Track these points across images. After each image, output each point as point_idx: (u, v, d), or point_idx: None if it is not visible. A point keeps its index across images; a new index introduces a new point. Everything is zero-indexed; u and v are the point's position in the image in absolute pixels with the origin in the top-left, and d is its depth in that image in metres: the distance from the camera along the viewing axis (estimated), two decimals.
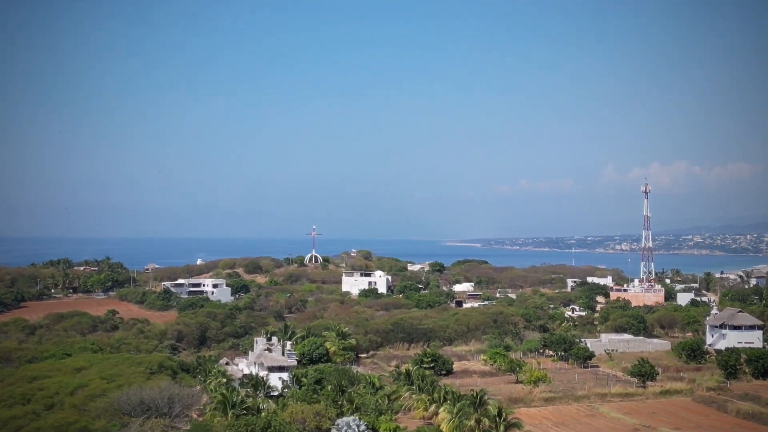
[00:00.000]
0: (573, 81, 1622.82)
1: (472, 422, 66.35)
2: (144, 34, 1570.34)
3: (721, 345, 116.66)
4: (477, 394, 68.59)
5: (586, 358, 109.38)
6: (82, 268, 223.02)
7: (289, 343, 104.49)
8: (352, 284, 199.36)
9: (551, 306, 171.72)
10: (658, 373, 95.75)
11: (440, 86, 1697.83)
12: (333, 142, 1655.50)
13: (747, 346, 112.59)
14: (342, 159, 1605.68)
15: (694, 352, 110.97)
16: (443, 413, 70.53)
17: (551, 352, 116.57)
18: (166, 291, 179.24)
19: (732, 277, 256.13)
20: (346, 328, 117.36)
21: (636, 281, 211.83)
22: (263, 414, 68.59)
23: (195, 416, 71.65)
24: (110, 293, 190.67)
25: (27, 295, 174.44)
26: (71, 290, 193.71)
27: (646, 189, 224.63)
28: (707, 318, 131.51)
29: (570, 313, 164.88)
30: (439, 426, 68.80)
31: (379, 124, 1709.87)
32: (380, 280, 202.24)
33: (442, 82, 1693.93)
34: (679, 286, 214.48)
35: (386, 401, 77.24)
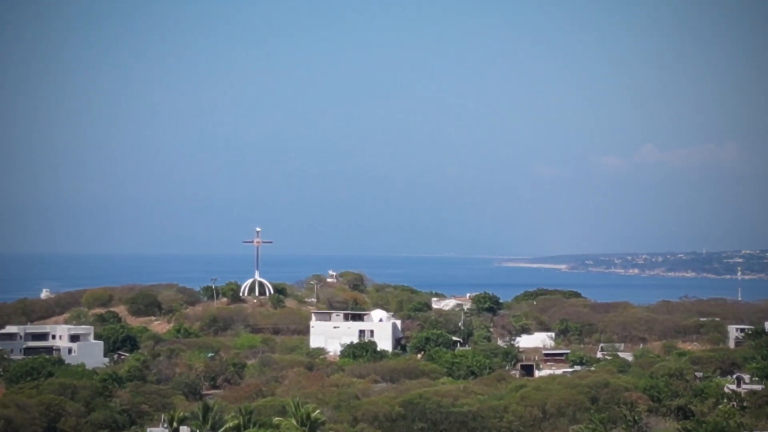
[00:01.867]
0: None
1: None
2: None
3: None
4: None
5: None
6: None
7: None
8: (330, 334, 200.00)
9: (698, 374, 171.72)
10: None
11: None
12: (303, 95, 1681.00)
13: None
14: (319, 124, 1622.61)
15: None
16: None
17: None
18: None
19: None
20: (318, 413, 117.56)
21: None
22: None
23: None
24: None
25: None
26: None
27: None
28: None
29: (734, 385, 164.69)
30: None
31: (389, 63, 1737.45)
32: (382, 327, 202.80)
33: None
34: None
35: None
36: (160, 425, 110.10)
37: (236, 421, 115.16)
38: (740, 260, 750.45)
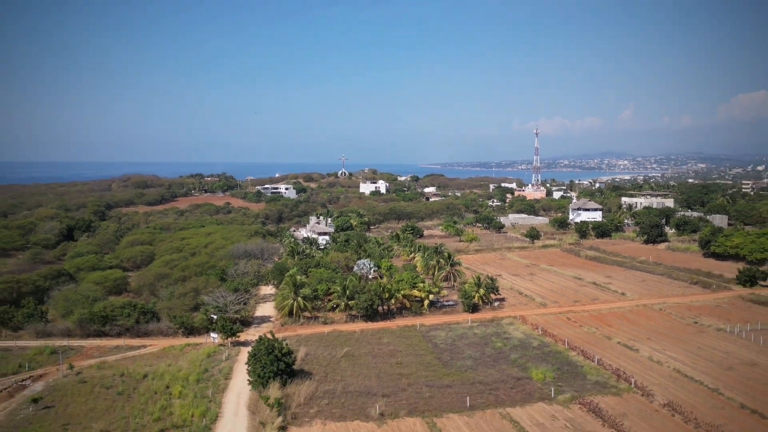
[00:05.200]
0: (490, 58, 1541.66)
1: (434, 261, 67.19)
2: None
3: (578, 219, 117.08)
4: (437, 247, 68.98)
5: (500, 227, 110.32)
6: (209, 178, 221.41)
7: (329, 219, 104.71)
8: (366, 188, 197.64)
9: (480, 199, 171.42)
10: (540, 236, 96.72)
11: (426, 71, 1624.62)
12: (359, 105, 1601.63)
13: (592, 220, 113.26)
14: (365, 112, 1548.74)
15: (562, 224, 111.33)
16: (417, 257, 71.44)
17: (480, 225, 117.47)
18: (258, 192, 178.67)
19: (585, 183, 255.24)
20: (362, 212, 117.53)
21: (530, 186, 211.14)
22: (315, 258, 69.27)
23: (276, 259, 72.46)
24: (226, 193, 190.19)
25: (178, 194, 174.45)
26: (204, 191, 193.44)
27: (536, 132, 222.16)
28: (570, 205, 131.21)
29: (491, 203, 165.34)
30: (414, 264, 69.70)
31: (388, 91, 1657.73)
32: (382, 186, 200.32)
33: (431, 67, 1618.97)
34: (554, 188, 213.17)
35: (385, 251, 77.97)
36: (314, 216, 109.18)
37: (337, 215, 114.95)
38: (494, 165, 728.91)
